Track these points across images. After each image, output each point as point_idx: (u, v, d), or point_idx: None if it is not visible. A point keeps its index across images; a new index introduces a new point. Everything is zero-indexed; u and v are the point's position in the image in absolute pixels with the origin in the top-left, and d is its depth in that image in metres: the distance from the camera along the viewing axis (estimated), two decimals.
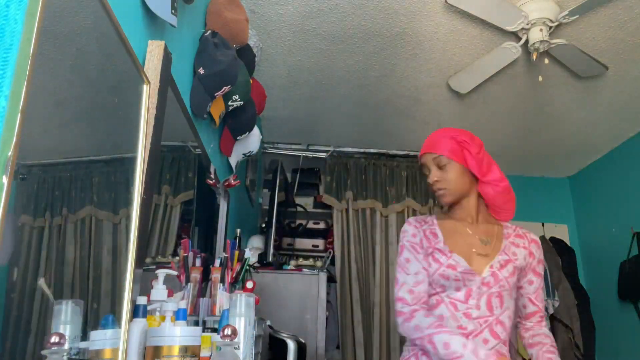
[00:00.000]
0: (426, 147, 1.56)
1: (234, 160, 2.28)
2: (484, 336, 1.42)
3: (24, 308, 0.75)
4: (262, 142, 3.55)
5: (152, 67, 1.21)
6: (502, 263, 1.48)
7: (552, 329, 3.72)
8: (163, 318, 1.09)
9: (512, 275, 1.47)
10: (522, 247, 1.53)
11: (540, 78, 2.45)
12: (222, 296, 1.46)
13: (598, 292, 3.84)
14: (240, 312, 1.26)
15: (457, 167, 1.51)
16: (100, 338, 0.89)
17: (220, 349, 1.02)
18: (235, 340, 1.01)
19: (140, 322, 1.04)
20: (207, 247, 2.00)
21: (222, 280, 1.53)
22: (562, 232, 4.18)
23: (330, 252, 3.31)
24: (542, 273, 1.56)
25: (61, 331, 0.80)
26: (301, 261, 2.64)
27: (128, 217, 1.06)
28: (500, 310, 1.44)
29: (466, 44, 2.55)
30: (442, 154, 1.51)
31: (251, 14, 2.33)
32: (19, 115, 0.64)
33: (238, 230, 1.85)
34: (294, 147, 3.81)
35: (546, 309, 3.72)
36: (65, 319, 0.82)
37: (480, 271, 1.45)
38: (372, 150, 3.77)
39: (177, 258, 1.48)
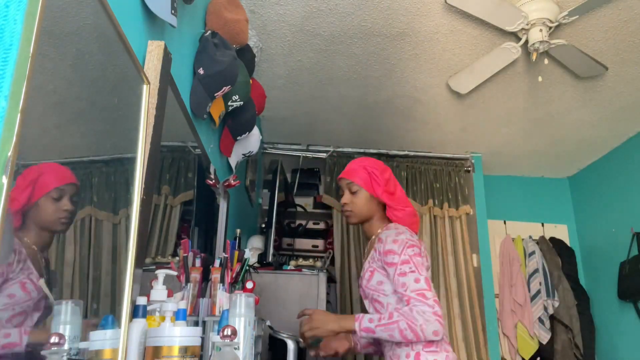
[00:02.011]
0: (344, 172, 1.85)
1: (233, 160, 2.28)
2: None
3: None
4: (262, 142, 3.55)
5: (152, 67, 1.21)
6: (363, 273, 1.74)
7: (552, 329, 3.73)
8: (163, 318, 1.09)
9: (370, 279, 1.69)
10: (374, 250, 1.71)
11: (540, 78, 2.45)
12: (222, 296, 1.46)
13: (598, 292, 3.84)
14: (240, 312, 1.26)
15: (364, 194, 1.78)
16: (99, 338, 0.89)
17: (220, 349, 1.02)
18: (235, 340, 1.01)
19: (140, 323, 1.04)
20: (207, 248, 2.00)
21: (222, 281, 1.53)
22: (562, 232, 4.18)
23: (330, 253, 3.31)
24: (394, 261, 1.61)
25: (61, 331, 0.80)
26: (301, 261, 2.64)
27: (128, 218, 1.06)
28: (385, 310, 1.65)
29: (466, 44, 2.55)
30: (354, 181, 1.79)
31: (251, 14, 2.33)
32: (19, 115, 0.64)
33: (238, 231, 1.85)
34: (293, 147, 3.81)
35: (546, 309, 3.73)
36: (65, 319, 0.82)
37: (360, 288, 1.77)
38: (372, 150, 3.77)
39: (177, 258, 1.48)
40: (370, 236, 1.82)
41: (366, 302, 1.76)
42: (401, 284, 1.57)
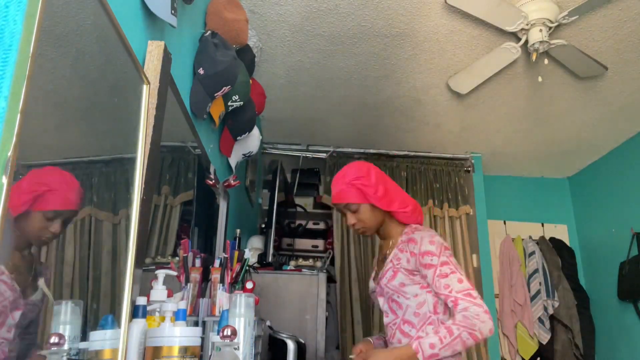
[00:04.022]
0: (334, 198, 1.77)
1: (233, 160, 2.28)
2: (397, 337, 1.64)
3: None
4: (262, 142, 3.55)
5: (152, 67, 1.21)
6: (384, 272, 1.69)
7: (552, 329, 3.73)
8: (163, 318, 1.09)
9: (392, 279, 1.65)
10: (405, 252, 1.65)
11: (539, 78, 2.45)
12: (221, 296, 1.46)
13: (598, 292, 3.84)
14: (240, 312, 1.26)
15: (366, 208, 1.71)
16: (99, 338, 0.89)
17: (220, 349, 1.02)
18: (235, 340, 1.01)
19: (139, 323, 1.04)
20: (206, 248, 2.00)
21: (222, 281, 1.53)
22: (562, 232, 4.18)
23: (330, 253, 3.31)
24: (432, 262, 1.56)
25: (60, 331, 0.80)
26: (301, 261, 2.64)
27: (128, 218, 1.06)
28: (402, 311, 1.63)
29: (466, 44, 2.55)
30: (350, 202, 1.71)
31: (251, 14, 2.33)
32: (19, 115, 0.64)
33: (238, 231, 1.85)
34: (293, 147, 3.81)
35: (546, 309, 3.73)
36: (65, 319, 0.82)
37: (375, 286, 1.75)
38: (371, 151, 3.77)
39: (177, 258, 1.48)
40: (387, 237, 1.78)
41: (380, 300, 1.72)
42: (444, 285, 1.53)
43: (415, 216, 1.75)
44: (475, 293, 1.51)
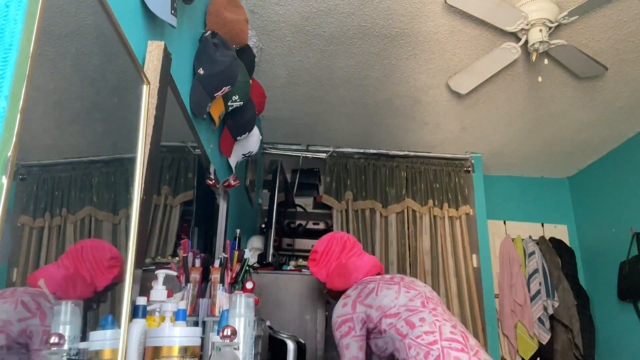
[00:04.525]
0: None
1: (233, 160, 2.28)
2: None
3: None
4: (262, 142, 3.55)
5: (152, 67, 1.21)
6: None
7: (552, 329, 3.73)
8: (162, 318, 1.09)
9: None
10: None
11: (539, 78, 2.45)
12: (221, 297, 1.46)
13: (598, 292, 3.84)
14: (239, 312, 1.26)
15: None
16: (99, 338, 0.89)
17: (220, 349, 1.02)
18: (235, 340, 1.01)
19: (139, 323, 1.04)
20: (206, 248, 2.00)
21: (222, 281, 1.53)
22: (561, 232, 4.18)
23: None
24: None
25: (60, 331, 0.80)
26: (301, 261, 2.64)
27: (128, 218, 1.06)
28: None
29: (466, 44, 2.55)
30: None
31: (251, 14, 2.33)
32: (19, 115, 0.64)
33: (238, 231, 1.85)
34: (293, 147, 3.81)
35: (546, 309, 3.73)
36: (65, 319, 0.82)
37: None
38: (371, 151, 3.77)
39: (177, 258, 1.48)
40: None
41: None
42: None
43: (344, 278, 1.91)
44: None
